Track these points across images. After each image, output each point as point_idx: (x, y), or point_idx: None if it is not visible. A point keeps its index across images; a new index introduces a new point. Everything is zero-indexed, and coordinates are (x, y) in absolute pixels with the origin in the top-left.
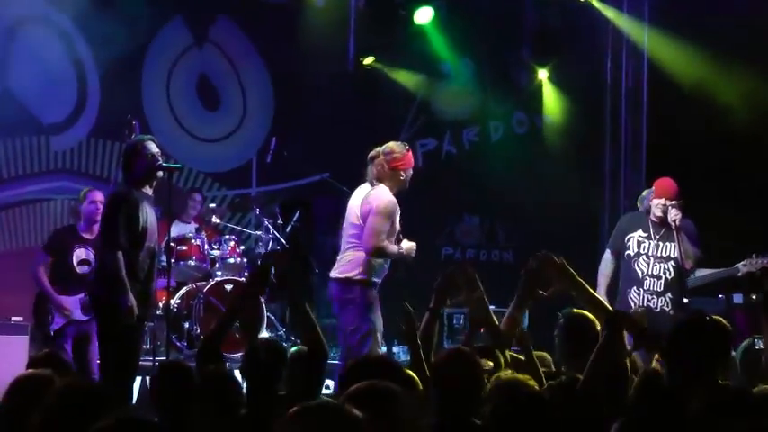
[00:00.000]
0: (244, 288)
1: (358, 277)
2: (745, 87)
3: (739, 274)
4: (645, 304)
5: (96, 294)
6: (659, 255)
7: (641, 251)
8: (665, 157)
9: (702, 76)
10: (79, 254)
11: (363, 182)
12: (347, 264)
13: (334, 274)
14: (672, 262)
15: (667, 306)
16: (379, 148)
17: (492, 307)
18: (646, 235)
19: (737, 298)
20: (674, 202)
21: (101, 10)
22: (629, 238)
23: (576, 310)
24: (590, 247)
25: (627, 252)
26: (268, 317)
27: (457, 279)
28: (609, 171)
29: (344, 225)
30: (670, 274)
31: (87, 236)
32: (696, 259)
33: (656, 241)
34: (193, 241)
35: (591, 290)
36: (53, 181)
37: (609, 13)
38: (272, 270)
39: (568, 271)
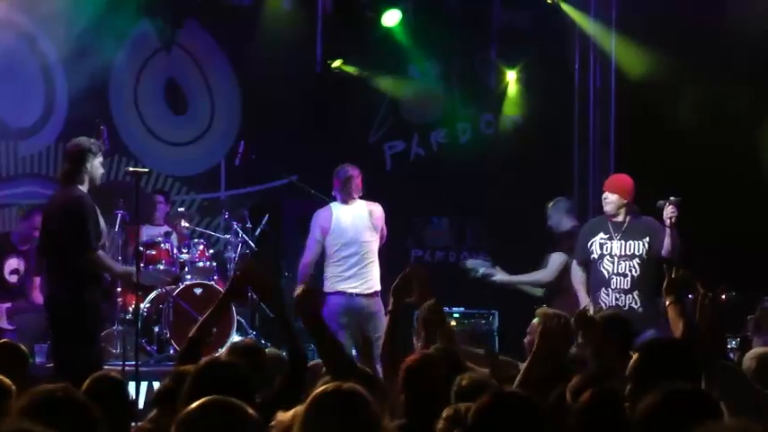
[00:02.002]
0: (222, 298)
1: (379, 288)
2: (710, 91)
3: None
4: (614, 303)
5: (69, 298)
6: (623, 253)
7: (604, 252)
8: (633, 159)
9: (668, 80)
10: (11, 263)
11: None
12: (373, 278)
13: (360, 289)
14: (637, 259)
15: (635, 303)
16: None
17: (461, 309)
18: (607, 236)
19: None
20: (672, 199)
21: (68, 14)
22: (591, 243)
23: (549, 309)
24: None
25: (592, 256)
26: (238, 320)
27: (411, 281)
28: (577, 172)
29: (349, 242)
30: (636, 272)
31: (21, 246)
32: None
33: (617, 240)
34: (162, 245)
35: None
36: (21, 186)
37: (577, 17)
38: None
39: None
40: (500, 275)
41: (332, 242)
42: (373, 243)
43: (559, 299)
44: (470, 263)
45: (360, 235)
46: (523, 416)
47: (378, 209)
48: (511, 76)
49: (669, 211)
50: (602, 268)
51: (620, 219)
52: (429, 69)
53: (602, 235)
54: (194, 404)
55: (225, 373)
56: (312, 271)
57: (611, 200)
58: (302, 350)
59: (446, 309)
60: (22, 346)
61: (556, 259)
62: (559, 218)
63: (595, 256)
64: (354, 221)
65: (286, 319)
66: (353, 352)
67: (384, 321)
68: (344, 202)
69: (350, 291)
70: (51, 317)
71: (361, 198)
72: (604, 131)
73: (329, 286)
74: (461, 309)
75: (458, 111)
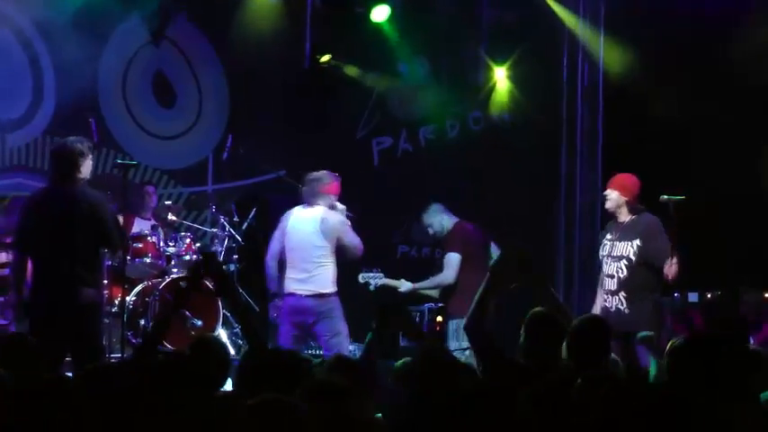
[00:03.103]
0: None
1: (332, 290)
2: (697, 90)
3: None
4: (604, 305)
5: (99, 297)
6: (614, 254)
7: (604, 253)
8: (621, 157)
9: (656, 79)
10: (0, 257)
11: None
12: (322, 281)
13: (305, 290)
14: (624, 261)
15: (621, 305)
16: (322, 173)
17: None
18: (610, 237)
19: (693, 297)
20: (676, 199)
21: (57, 5)
22: (601, 243)
23: (541, 309)
24: (544, 246)
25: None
26: (224, 314)
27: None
28: (565, 169)
29: (298, 245)
30: (622, 273)
31: (6, 239)
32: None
33: (616, 241)
34: (149, 238)
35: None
36: (8, 178)
37: (565, 15)
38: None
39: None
40: (405, 285)
41: (285, 245)
42: (324, 248)
43: (455, 300)
44: (362, 277)
45: (307, 239)
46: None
47: (333, 217)
48: (499, 74)
49: (673, 272)
50: (602, 270)
51: (622, 218)
52: (417, 65)
53: (608, 236)
54: (251, 402)
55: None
56: (276, 272)
57: (610, 197)
58: (258, 342)
59: (432, 305)
60: (32, 339)
61: (453, 259)
62: (440, 221)
63: (599, 257)
64: (303, 226)
65: (241, 312)
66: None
67: (336, 322)
68: (307, 205)
69: (299, 292)
70: (85, 316)
71: (339, 201)
72: (592, 129)
73: (285, 288)
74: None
75: (446, 107)
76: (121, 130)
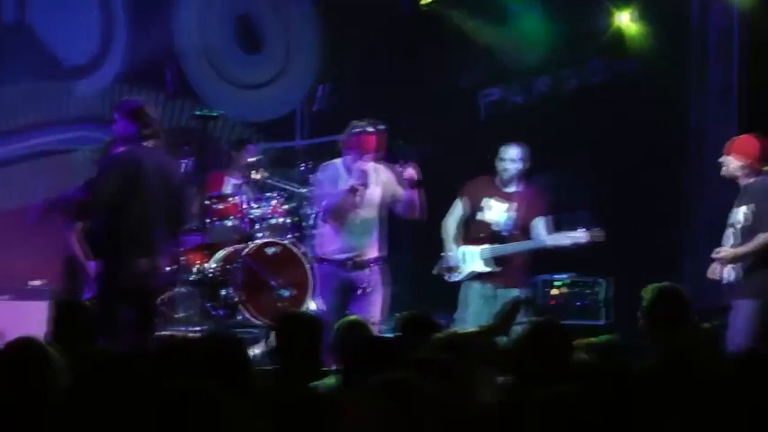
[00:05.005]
0: None
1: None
2: None
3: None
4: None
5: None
6: (729, 221)
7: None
8: (759, 111)
9: None
10: None
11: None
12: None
13: None
14: (732, 228)
15: (730, 275)
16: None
17: (564, 276)
18: (736, 204)
19: None
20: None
21: None
22: None
23: (663, 284)
24: (672, 209)
25: None
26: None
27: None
28: (694, 124)
29: None
30: (730, 241)
31: None
32: None
33: (735, 208)
34: (231, 199)
35: None
36: (74, 130)
37: None
38: None
39: None
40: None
41: None
42: None
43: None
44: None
45: None
46: None
47: None
48: (621, 18)
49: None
50: None
51: (743, 183)
52: (530, 8)
53: (736, 202)
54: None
55: None
56: None
57: (724, 163)
58: None
59: (547, 277)
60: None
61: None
62: (517, 168)
63: None
64: None
65: None
66: None
67: None
68: None
69: None
70: (155, 293)
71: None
72: (726, 80)
73: None
74: (564, 276)
75: (562, 56)
76: (200, 79)
